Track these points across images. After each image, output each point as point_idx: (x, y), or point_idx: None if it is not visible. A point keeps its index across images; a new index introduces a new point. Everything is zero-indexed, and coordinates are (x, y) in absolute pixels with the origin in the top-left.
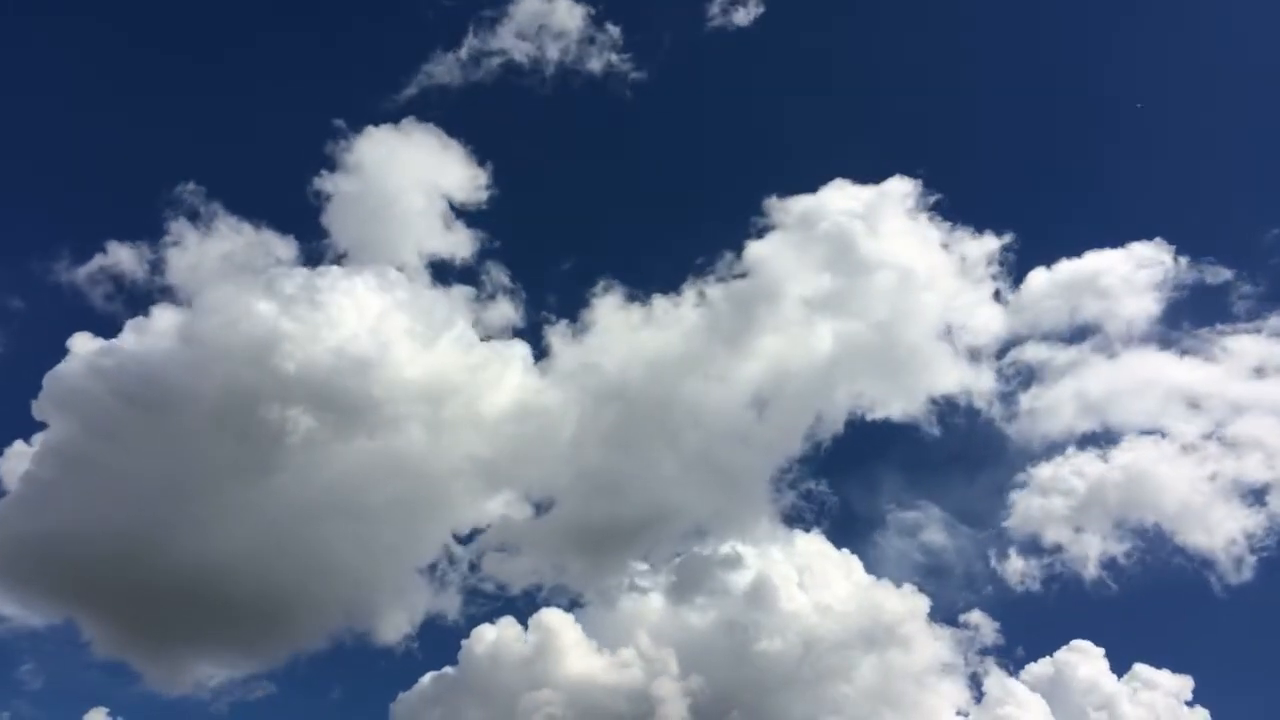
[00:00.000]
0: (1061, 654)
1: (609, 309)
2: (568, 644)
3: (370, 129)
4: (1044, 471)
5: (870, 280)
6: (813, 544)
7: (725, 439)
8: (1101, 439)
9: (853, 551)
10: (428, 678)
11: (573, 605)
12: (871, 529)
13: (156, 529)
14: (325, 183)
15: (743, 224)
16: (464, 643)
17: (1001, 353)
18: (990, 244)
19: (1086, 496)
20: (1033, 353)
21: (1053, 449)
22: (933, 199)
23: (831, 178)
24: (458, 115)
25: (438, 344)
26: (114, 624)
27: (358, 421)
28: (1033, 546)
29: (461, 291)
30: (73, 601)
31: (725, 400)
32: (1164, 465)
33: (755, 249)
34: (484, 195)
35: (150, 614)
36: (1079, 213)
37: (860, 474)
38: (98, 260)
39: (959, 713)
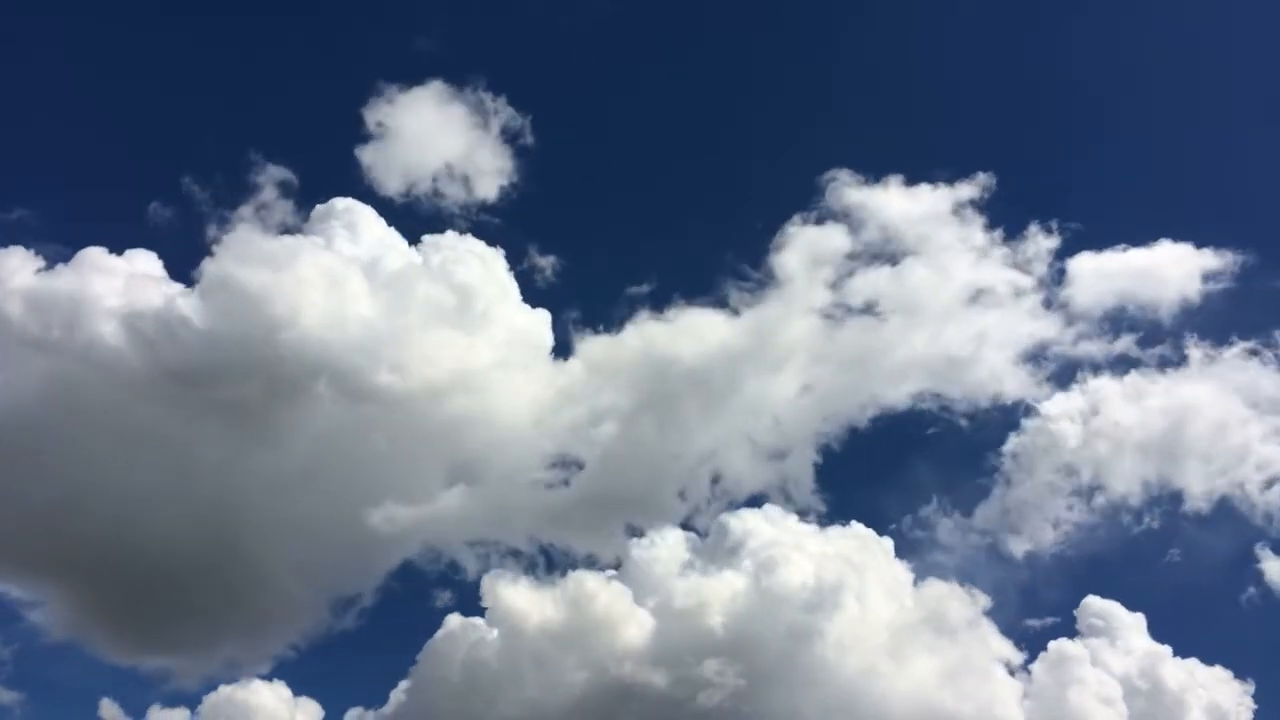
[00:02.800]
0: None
1: (648, 297)
2: (597, 605)
3: (405, 90)
4: (1093, 467)
5: (918, 278)
6: (852, 534)
7: (765, 425)
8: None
9: (895, 544)
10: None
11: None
12: (911, 522)
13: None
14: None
15: (790, 216)
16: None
17: (1055, 356)
18: (1047, 243)
19: (1134, 489)
20: (1085, 355)
21: (1104, 447)
22: (994, 199)
23: (886, 174)
24: (494, 80)
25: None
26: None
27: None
28: (1078, 539)
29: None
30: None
31: (763, 390)
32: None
33: (801, 241)
34: (521, 162)
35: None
36: (1137, 214)
37: (898, 469)
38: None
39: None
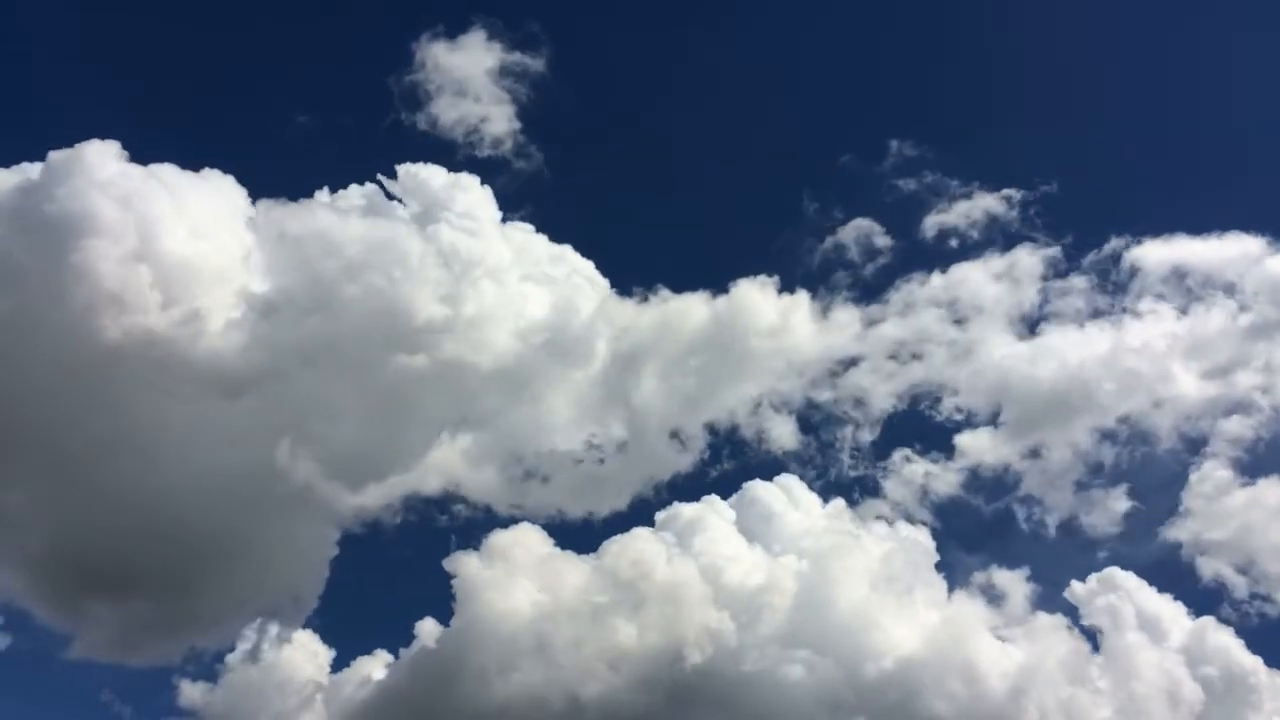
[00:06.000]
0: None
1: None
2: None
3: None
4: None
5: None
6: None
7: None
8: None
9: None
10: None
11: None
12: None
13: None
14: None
15: (843, 208)
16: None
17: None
18: (1109, 248)
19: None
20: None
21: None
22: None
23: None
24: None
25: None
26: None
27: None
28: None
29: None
30: None
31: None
32: None
33: (853, 233)
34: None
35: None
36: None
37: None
38: None
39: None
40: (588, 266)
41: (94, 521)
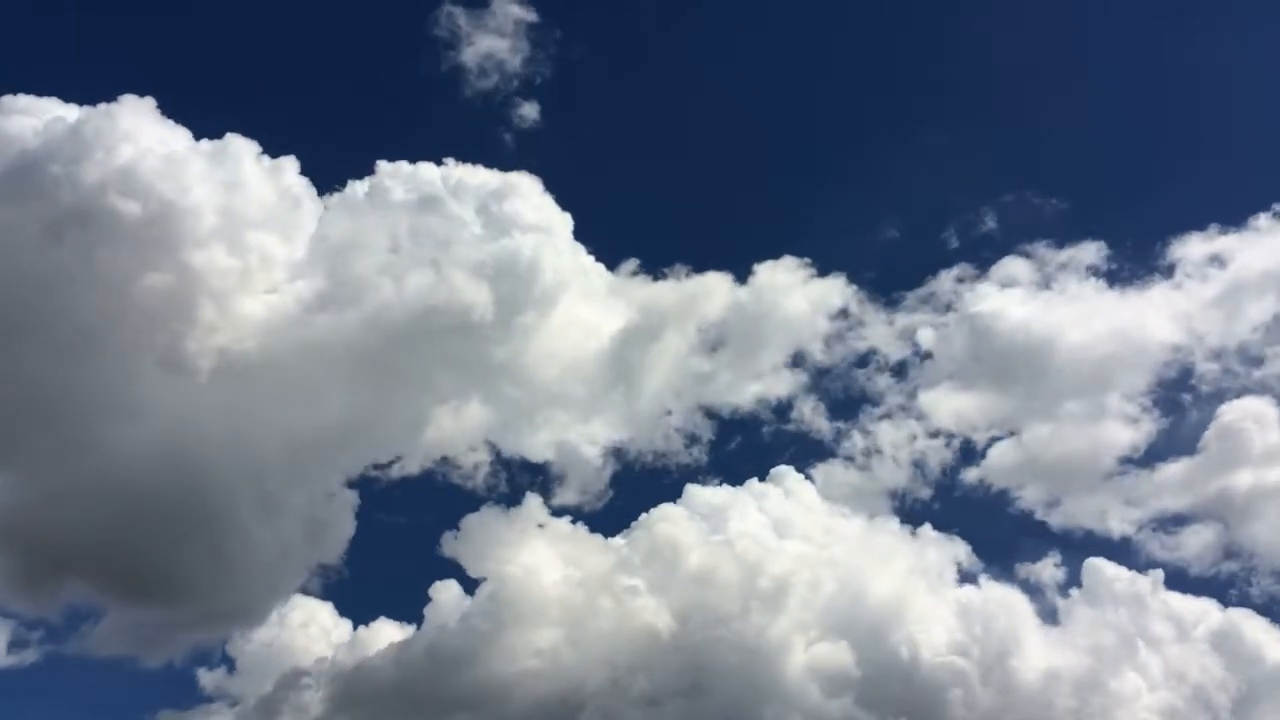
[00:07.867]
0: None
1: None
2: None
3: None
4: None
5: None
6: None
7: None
8: None
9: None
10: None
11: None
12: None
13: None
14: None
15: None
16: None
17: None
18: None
19: None
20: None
21: None
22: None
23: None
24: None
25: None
26: None
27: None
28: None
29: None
30: None
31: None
32: None
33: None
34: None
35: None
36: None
37: None
38: None
39: None
40: (600, 268)
41: (100, 519)
